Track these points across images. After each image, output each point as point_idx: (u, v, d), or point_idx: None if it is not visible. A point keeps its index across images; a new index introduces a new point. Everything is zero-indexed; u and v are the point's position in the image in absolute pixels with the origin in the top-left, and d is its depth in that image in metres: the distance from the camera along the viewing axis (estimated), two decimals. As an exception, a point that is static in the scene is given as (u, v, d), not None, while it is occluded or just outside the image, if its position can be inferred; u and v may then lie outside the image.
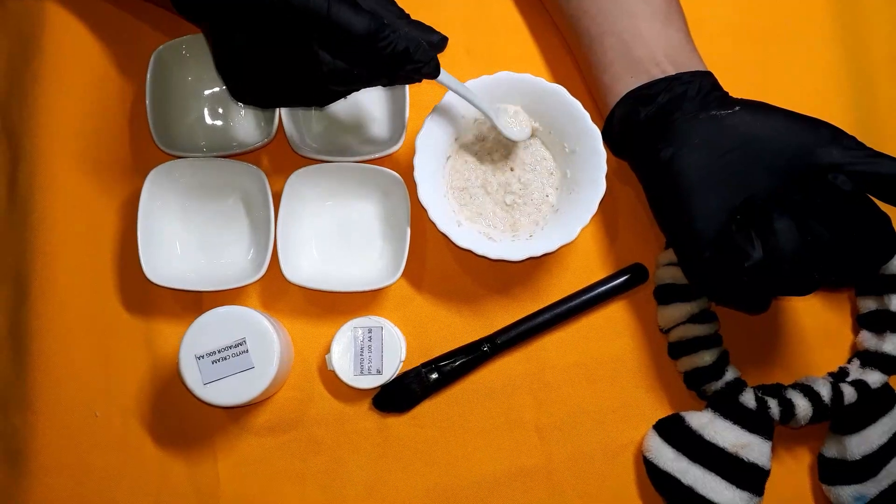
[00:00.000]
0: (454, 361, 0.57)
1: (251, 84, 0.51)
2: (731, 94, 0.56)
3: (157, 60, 0.58)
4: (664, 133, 0.53)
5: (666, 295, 0.56)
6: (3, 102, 0.62)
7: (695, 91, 0.53)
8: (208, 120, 0.61)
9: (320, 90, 0.50)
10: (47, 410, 0.57)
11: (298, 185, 0.57)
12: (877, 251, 0.50)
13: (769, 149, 0.51)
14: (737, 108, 0.52)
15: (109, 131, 0.60)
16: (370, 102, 0.61)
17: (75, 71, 0.61)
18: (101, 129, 0.60)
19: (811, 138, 0.51)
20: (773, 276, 0.48)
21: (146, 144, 0.58)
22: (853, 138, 0.51)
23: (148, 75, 0.58)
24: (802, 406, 0.54)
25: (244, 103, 0.57)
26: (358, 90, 0.51)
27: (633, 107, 0.54)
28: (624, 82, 0.55)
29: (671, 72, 0.54)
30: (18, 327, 0.58)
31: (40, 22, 0.61)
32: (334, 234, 0.59)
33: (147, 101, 0.58)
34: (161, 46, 0.58)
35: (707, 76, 0.55)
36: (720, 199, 0.51)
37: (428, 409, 0.58)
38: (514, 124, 0.57)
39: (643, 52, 0.55)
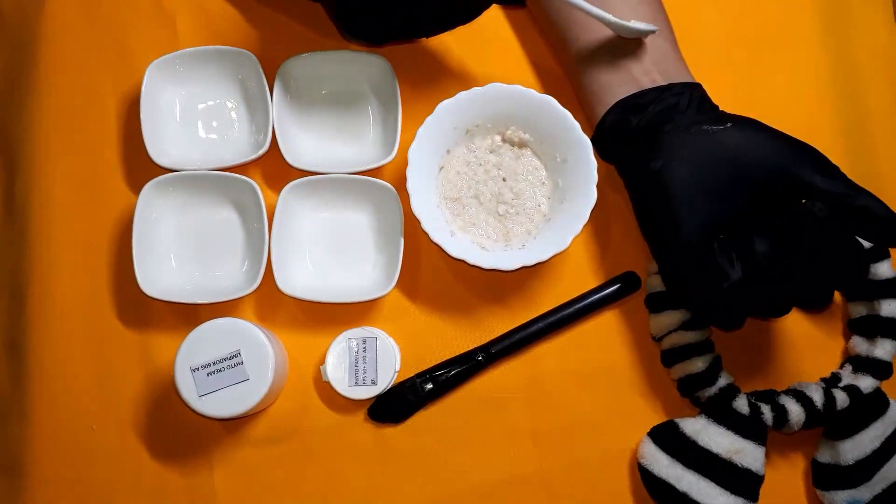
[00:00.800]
0: (449, 371, 0.57)
1: (361, 15, 0.51)
2: (718, 102, 0.56)
3: (151, 74, 0.59)
4: (655, 144, 0.54)
5: (657, 303, 0.57)
6: (0, 116, 0.62)
7: (686, 103, 0.54)
8: (202, 133, 0.61)
9: (432, 12, 0.50)
10: (43, 422, 0.57)
11: (292, 198, 0.58)
12: (845, 276, 0.52)
13: (756, 168, 0.52)
14: (728, 124, 0.53)
15: (105, 145, 0.61)
16: (363, 114, 0.61)
17: (71, 84, 0.61)
18: (96, 142, 0.61)
19: (796, 162, 0.51)
20: (749, 297, 0.50)
21: (141, 158, 0.59)
22: (835, 167, 0.52)
23: (143, 89, 0.58)
24: (795, 412, 0.54)
25: (355, 37, 0.57)
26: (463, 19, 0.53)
27: (624, 115, 0.55)
28: (612, 91, 0.56)
29: (660, 81, 0.55)
30: (15, 339, 0.58)
31: (36, 35, 0.62)
32: (328, 245, 0.60)
33: (141, 115, 0.58)
34: (156, 61, 0.59)
35: (697, 88, 0.56)
36: (705, 214, 0.51)
37: (423, 419, 0.58)
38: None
39: (631, 61, 0.56)
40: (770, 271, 0.49)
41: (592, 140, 0.57)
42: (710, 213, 0.51)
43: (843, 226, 0.50)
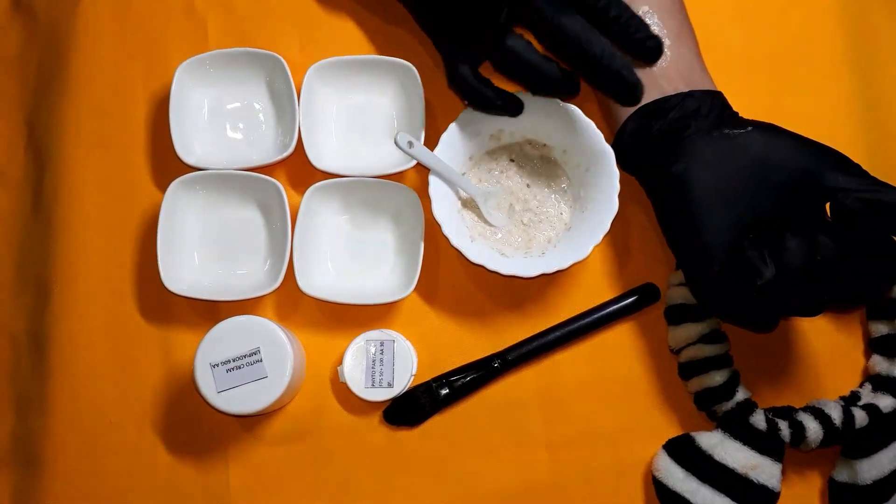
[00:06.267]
0: (465, 377, 0.58)
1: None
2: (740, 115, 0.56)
3: (181, 75, 0.60)
4: (677, 148, 0.54)
5: (677, 315, 0.57)
6: (31, 113, 0.63)
7: (707, 109, 0.54)
8: (230, 133, 0.62)
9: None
10: (64, 415, 0.58)
11: (315, 199, 0.58)
12: (884, 272, 0.50)
13: (779, 170, 0.52)
14: (749, 128, 0.53)
15: (133, 143, 0.62)
16: (387, 119, 0.62)
17: (101, 84, 0.62)
18: (125, 140, 0.62)
19: (818, 163, 0.51)
20: (784, 295, 0.49)
21: (168, 156, 0.59)
22: (858, 166, 0.51)
23: (172, 88, 0.59)
24: (813, 429, 0.54)
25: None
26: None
27: (646, 121, 0.55)
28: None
29: (683, 89, 0.55)
30: (38, 332, 0.59)
31: (69, 34, 0.63)
32: (349, 247, 0.60)
33: (170, 114, 0.59)
34: (186, 61, 0.60)
35: (718, 95, 0.56)
36: (730, 216, 0.51)
37: (438, 424, 0.58)
38: (496, 212, 0.59)
39: (655, 68, 0.56)
40: (804, 267, 0.48)
41: (613, 146, 0.57)
42: (734, 215, 0.51)
43: (873, 224, 0.49)
